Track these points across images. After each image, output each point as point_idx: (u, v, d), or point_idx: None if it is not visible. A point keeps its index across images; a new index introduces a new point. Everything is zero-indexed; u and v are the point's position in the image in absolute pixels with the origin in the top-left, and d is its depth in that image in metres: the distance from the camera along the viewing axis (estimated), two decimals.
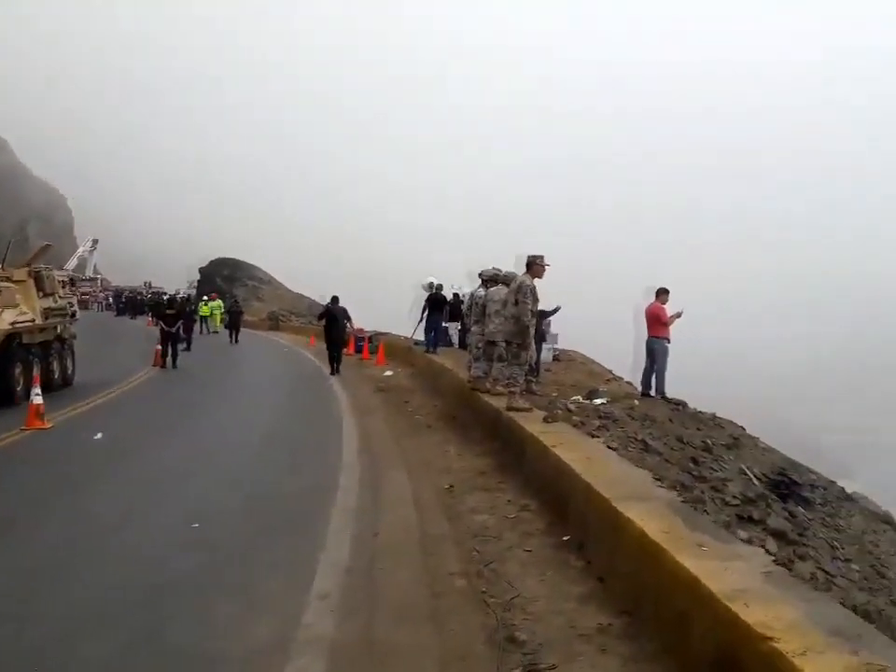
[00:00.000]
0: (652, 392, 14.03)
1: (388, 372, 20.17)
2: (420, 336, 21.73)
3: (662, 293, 14.33)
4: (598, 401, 12.78)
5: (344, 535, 6.18)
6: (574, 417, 10.59)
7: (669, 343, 14.19)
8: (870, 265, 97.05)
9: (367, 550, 5.87)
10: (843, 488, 13.21)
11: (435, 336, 20.61)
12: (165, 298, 27.63)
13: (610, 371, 22.29)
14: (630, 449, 9.72)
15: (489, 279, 13.32)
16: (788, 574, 4.25)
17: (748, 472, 10.63)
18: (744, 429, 13.74)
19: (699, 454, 10.86)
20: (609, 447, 9.15)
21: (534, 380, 13.69)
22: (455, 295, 22.65)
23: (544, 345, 18.09)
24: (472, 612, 4.78)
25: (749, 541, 8.30)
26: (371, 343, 26.88)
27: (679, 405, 13.47)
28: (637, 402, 13.11)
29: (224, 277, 69.62)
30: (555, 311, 17.40)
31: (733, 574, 3.98)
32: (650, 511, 5.11)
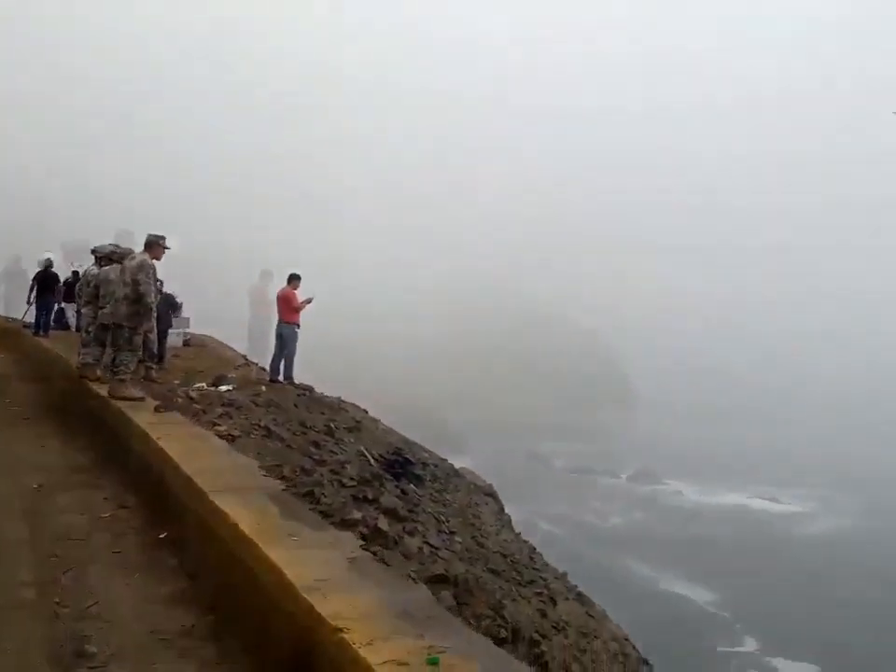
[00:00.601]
0: (281, 377, 13.99)
1: None
2: (33, 318, 19.48)
3: (294, 279, 14.36)
4: (224, 388, 12.43)
5: None
6: (195, 405, 10.21)
7: (299, 328, 14.27)
8: (464, 262, 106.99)
9: None
10: (452, 465, 14.28)
11: (46, 318, 18.61)
12: None
13: (244, 357, 21.87)
14: (253, 436, 9.60)
15: (104, 257, 12.27)
16: (372, 559, 4.33)
17: (366, 454, 11.00)
18: (366, 412, 14.26)
19: (322, 437, 11.04)
20: (230, 435, 8.96)
21: (154, 367, 12.90)
22: (75, 273, 20.70)
23: (172, 331, 17.26)
24: (39, 626, 4.23)
25: (363, 521, 8.63)
26: None
27: (305, 390, 13.57)
28: (264, 388, 12.97)
29: None
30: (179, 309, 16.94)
31: (318, 564, 3.96)
32: (247, 503, 4.96)
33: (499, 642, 8.74)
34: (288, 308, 14.12)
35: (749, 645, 35.21)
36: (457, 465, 15.27)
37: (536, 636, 9.25)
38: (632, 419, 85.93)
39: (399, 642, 3.13)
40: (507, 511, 14.89)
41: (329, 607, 3.40)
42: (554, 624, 10.07)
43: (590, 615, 11.49)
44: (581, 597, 11.96)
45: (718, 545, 47.49)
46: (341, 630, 3.20)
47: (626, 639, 11.94)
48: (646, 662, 11.71)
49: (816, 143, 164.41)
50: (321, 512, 8.30)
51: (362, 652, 3.02)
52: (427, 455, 13.47)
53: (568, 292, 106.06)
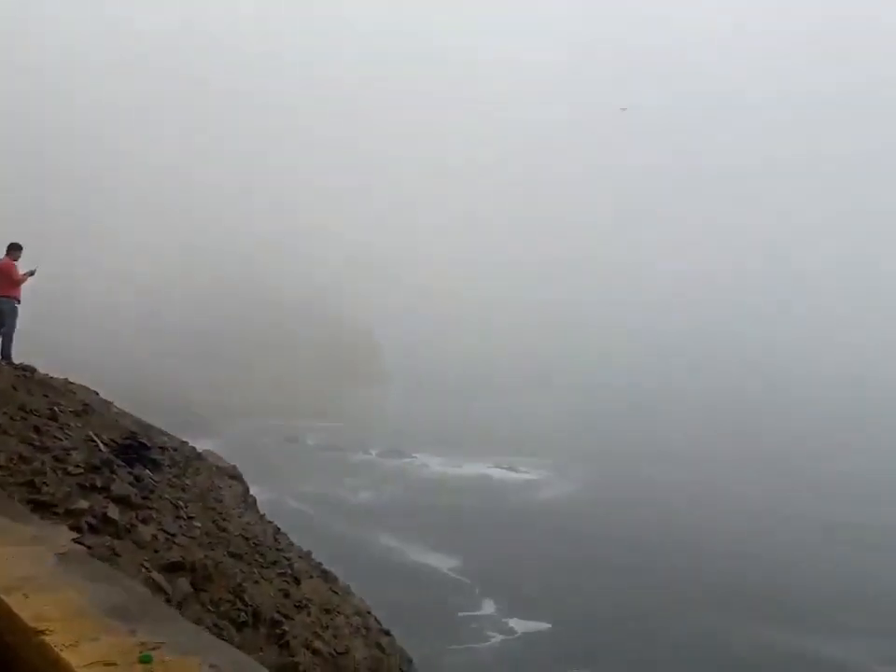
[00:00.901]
0: None
1: None
2: None
3: (14, 249, 13.16)
4: None
5: None
6: None
7: (20, 303, 13.09)
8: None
9: None
10: (194, 448, 13.77)
11: None
12: None
13: None
14: None
15: None
16: (85, 552, 4.10)
17: (95, 439, 10.33)
18: (98, 394, 13.34)
19: (44, 422, 10.21)
20: None
21: None
22: None
23: None
24: None
25: (90, 510, 8.10)
26: None
27: (27, 371, 12.43)
28: None
29: None
30: None
31: (21, 561, 3.66)
32: None
33: (239, 626, 8.64)
34: (8, 281, 12.89)
35: (488, 608, 37.77)
36: (202, 448, 14.76)
37: (277, 616, 9.24)
38: (384, 397, 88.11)
39: (107, 641, 2.97)
40: (255, 492, 14.65)
41: (29, 608, 3.16)
42: (297, 603, 10.10)
43: (333, 591, 11.64)
44: (325, 574, 12.08)
45: (461, 514, 50.25)
46: (42, 632, 2.98)
47: (369, 613, 12.23)
48: (387, 633, 12.07)
49: None
50: (42, 503, 7.71)
51: (65, 655, 2.84)
52: (166, 438, 12.88)
53: (327, 278, 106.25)
